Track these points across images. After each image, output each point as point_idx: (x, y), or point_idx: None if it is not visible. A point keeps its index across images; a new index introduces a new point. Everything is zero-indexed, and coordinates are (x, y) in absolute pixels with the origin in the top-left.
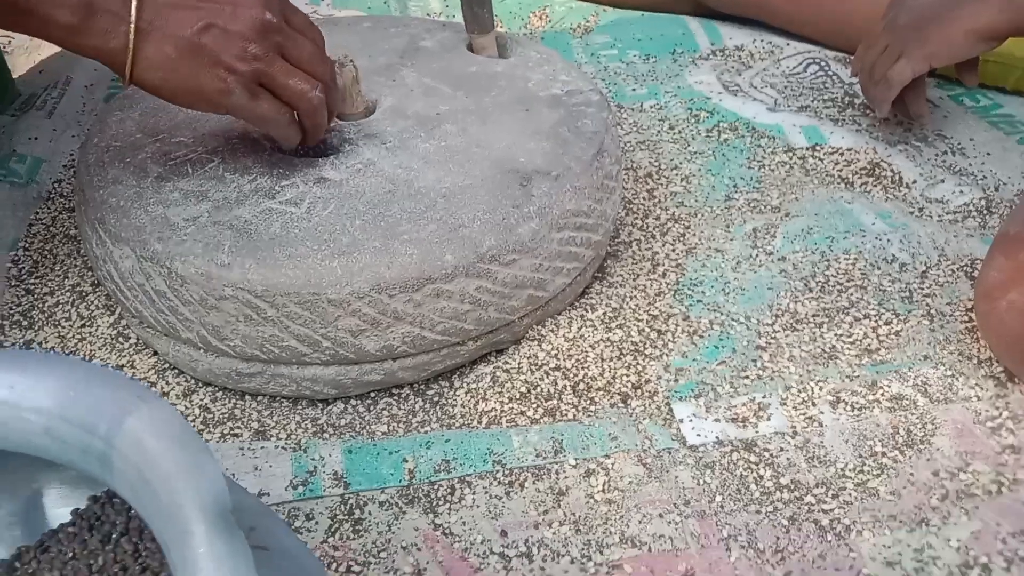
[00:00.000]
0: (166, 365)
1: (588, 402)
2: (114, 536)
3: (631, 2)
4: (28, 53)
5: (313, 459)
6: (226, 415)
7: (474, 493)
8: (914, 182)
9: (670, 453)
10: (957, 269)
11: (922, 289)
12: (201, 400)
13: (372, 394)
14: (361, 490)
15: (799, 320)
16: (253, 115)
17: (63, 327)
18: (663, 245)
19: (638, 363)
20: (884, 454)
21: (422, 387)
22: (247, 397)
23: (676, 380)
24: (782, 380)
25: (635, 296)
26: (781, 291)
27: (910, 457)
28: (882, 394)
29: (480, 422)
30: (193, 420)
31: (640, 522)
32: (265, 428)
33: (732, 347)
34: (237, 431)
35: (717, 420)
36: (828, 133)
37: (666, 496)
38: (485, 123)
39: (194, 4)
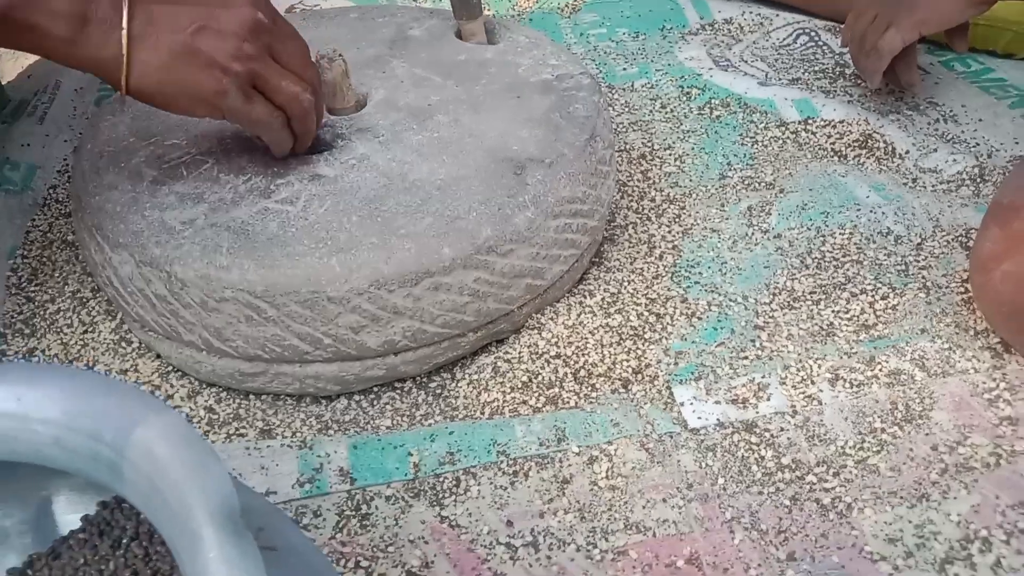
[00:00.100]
0: (169, 368)
1: (589, 389)
2: (124, 541)
3: None
4: (15, 59)
5: (319, 456)
6: (231, 415)
7: (479, 484)
8: (907, 152)
9: (672, 437)
10: (952, 240)
11: (918, 262)
12: (206, 401)
13: (375, 389)
14: (367, 485)
15: (796, 298)
16: (248, 118)
17: (65, 334)
18: (659, 227)
19: (638, 348)
20: (883, 430)
21: (424, 380)
22: (251, 397)
23: (676, 363)
24: (781, 359)
25: (633, 280)
26: (778, 269)
27: (909, 432)
28: (880, 370)
29: (483, 413)
30: (198, 422)
31: (644, 507)
32: (270, 427)
33: (731, 328)
34: (242, 431)
35: (717, 402)
36: (820, 106)
37: (669, 480)
38: (477, 112)
39: (185, 8)
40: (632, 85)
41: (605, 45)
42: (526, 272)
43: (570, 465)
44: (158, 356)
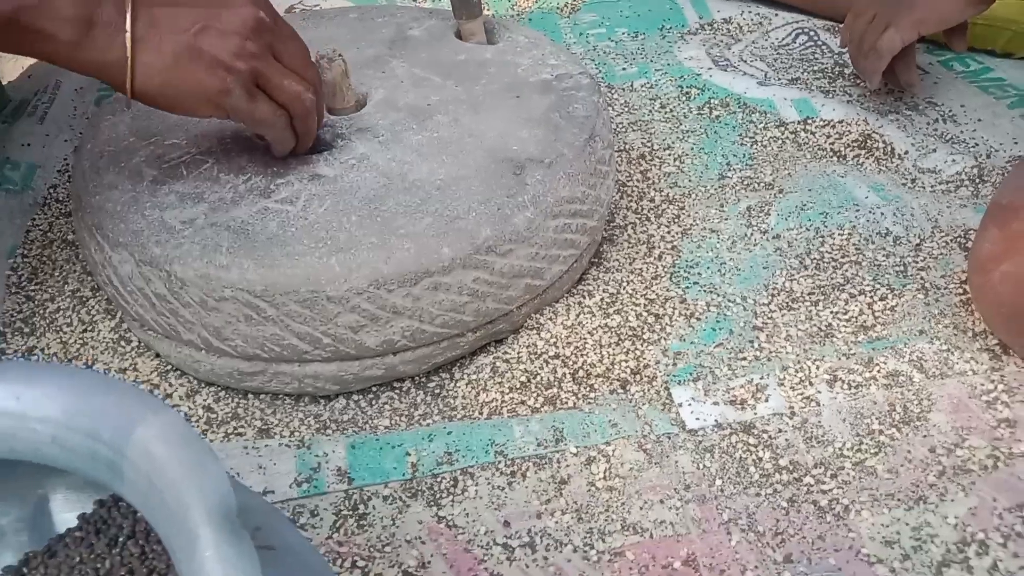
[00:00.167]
0: (168, 367)
1: (588, 389)
2: (120, 540)
3: None
4: (16, 59)
5: (317, 456)
6: (229, 415)
7: (476, 484)
8: (906, 152)
9: (670, 438)
10: (951, 241)
11: (916, 262)
12: (204, 400)
13: (374, 388)
14: (365, 485)
15: (795, 299)
16: (251, 118)
17: (65, 333)
18: (658, 227)
19: (636, 348)
20: (881, 432)
21: (423, 380)
22: (250, 396)
23: (674, 364)
24: (779, 360)
25: (632, 281)
26: (776, 270)
27: (907, 434)
28: (878, 371)
29: (481, 413)
30: (197, 421)
31: (641, 508)
32: (268, 426)
33: (729, 329)
34: (241, 430)
35: (716, 403)
36: (819, 105)
37: (666, 481)
38: (477, 112)
39: (187, 9)
40: (631, 85)
41: (604, 45)
42: (525, 272)
43: (568, 466)
44: (157, 355)
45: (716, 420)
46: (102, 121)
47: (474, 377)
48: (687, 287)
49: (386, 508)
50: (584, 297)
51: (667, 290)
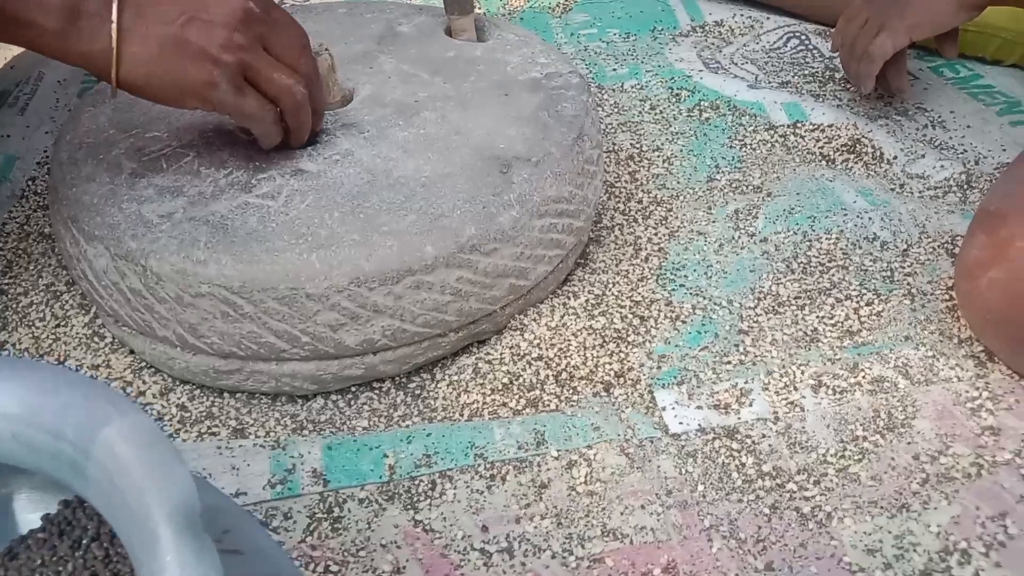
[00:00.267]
0: (142, 364)
1: (571, 392)
2: (84, 542)
3: None
4: None
5: (292, 457)
6: (204, 413)
7: (455, 488)
8: (895, 157)
9: (652, 442)
10: (938, 247)
11: (903, 268)
12: (178, 399)
13: (353, 389)
14: (340, 487)
15: (781, 303)
16: (239, 111)
17: (37, 327)
18: (645, 229)
19: (621, 351)
20: (865, 438)
21: (403, 380)
22: (225, 395)
23: (659, 367)
24: (764, 365)
25: (618, 282)
26: (763, 273)
27: (891, 441)
28: (863, 377)
29: (462, 415)
30: (170, 419)
31: (622, 514)
32: (243, 426)
33: (714, 332)
34: (215, 430)
35: (700, 407)
36: (809, 109)
37: (648, 487)
38: (464, 109)
39: (178, 1)
40: (622, 86)
41: (595, 45)
42: (510, 272)
43: (548, 469)
44: (131, 352)
45: (699, 424)
46: (82, 112)
47: (456, 378)
48: (673, 289)
49: (362, 511)
50: (569, 298)
51: (653, 292)
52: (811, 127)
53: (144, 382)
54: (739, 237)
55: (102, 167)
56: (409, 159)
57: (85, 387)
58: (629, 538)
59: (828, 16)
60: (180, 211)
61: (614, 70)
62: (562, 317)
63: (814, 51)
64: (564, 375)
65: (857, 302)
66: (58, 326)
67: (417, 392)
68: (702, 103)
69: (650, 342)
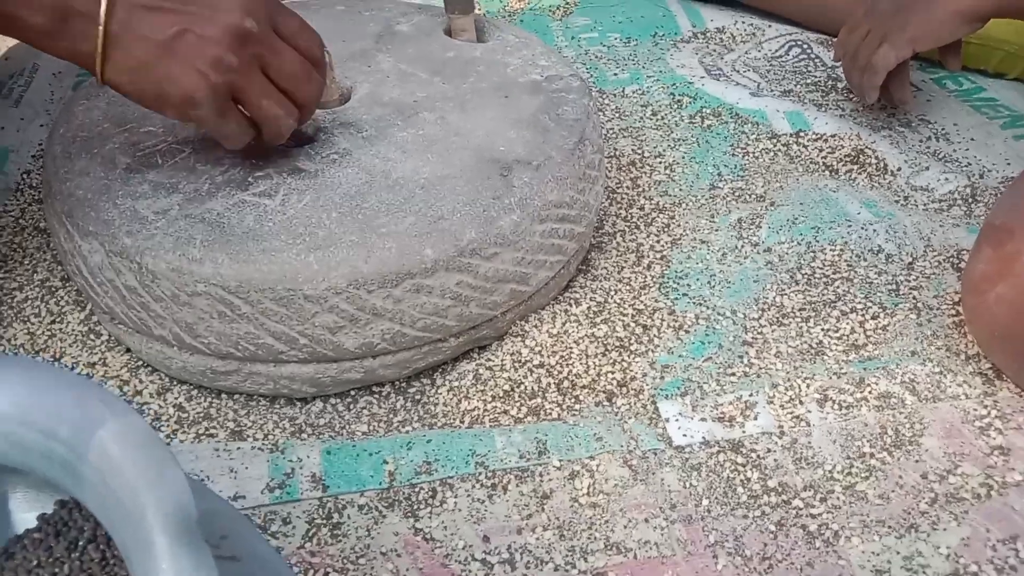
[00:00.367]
0: (139, 363)
1: (573, 400)
2: (81, 543)
3: None
4: None
5: (290, 460)
6: (201, 414)
7: (456, 496)
8: (899, 169)
9: (656, 454)
10: (943, 260)
11: (908, 281)
12: (176, 399)
13: (352, 392)
14: (340, 493)
15: (785, 314)
16: (217, 132)
17: (32, 323)
18: (648, 236)
19: (623, 359)
20: (872, 455)
21: (403, 385)
22: (223, 395)
23: (662, 377)
24: (769, 377)
25: (620, 290)
26: (767, 284)
27: (898, 458)
28: (870, 392)
29: (462, 421)
30: (167, 420)
31: (625, 527)
32: (241, 428)
33: (718, 343)
34: (212, 431)
35: (703, 419)
36: (812, 119)
37: (652, 500)
38: (464, 111)
39: (170, 7)
40: (623, 91)
41: (596, 50)
42: (510, 277)
43: (550, 480)
44: (128, 350)
45: (703, 437)
46: (76, 105)
47: (456, 384)
48: (676, 298)
49: (361, 518)
50: (571, 305)
51: (656, 301)
52: (814, 136)
53: (141, 381)
54: (742, 246)
55: (96, 161)
56: (408, 160)
57: (79, 387)
58: (633, 552)
59: (830, 25)
60: (176, 208)
61: (615, 75)
62: (564, 324)
63: (816, 60)
64: (566, 383)
65: (863, 315)
66: (53, 322)
67: (417, 397)
68: (704, 110)
69: (653, 351)
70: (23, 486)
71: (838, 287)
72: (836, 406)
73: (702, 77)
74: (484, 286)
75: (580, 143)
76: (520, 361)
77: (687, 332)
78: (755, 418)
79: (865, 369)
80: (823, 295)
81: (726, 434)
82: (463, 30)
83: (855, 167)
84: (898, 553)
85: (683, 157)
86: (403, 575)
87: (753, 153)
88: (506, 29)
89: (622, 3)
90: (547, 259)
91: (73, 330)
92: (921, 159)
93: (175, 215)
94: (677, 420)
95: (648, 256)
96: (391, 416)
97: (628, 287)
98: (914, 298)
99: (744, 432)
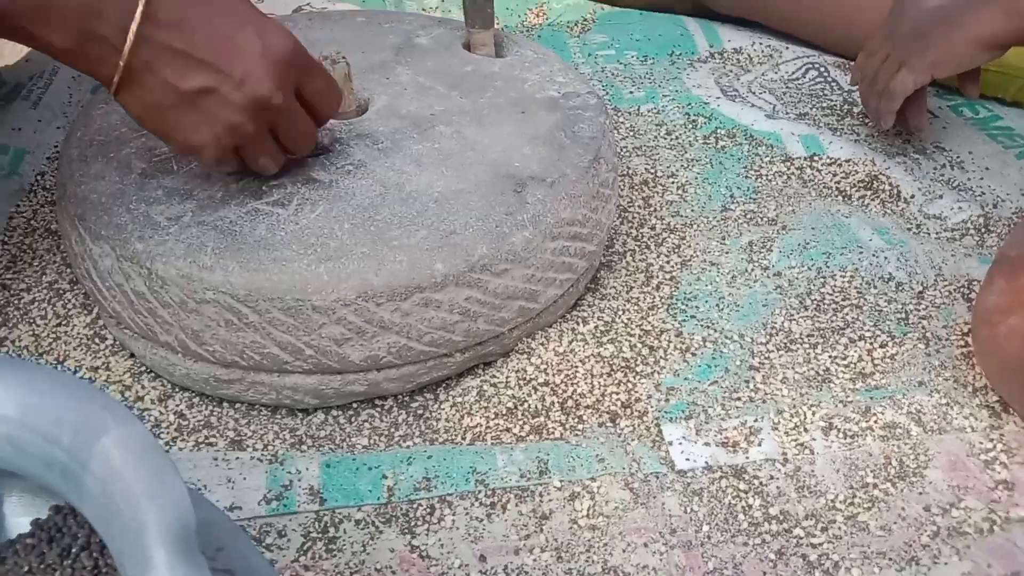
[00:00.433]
0: (142, 368)
1: (576, 420)
2: (74, 551)
3: (630, 0)
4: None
5: (289, 472)
6: (202, 422)
7: (454, 514)
8: (912, 197)
9: (658, 478)
10: (954, 291)
11: (918, 311)
12: (177, 406)
13: (354, 405)
14: (337, 507)
15: (793, 340)
16: (211, 169)
17: (38, 325)
18: (658, 256)
19: (628, 380)
20: (875, 486)
21: (406, 399)
22: (224, 404)
23: (667, 400)
24: (774, 403)
25: (628, 310)
26: (776, 308)
27: (902, 490)
28: (875, 421)
29: (464, 438)
30: (167, 427)
31: (624, 551)
32: (241, 437)
33: (725, 366)
34: (212, 440)
35: (707, 444)
36: (827, 143)
37: (652, 524)
38: (480, 125)
39: (201, 59)
40: (638, 109)
41: (613, 67)
42: (520, 294)
43: (551, 500)
44: (132, 355)
45: (707, 462)
46: (95, 109)
47: (459, 400)
48: (684, 320)
49: (358, 533)
50: (578, 323)
51: (663, 322)
52: (828, 161)
53: (143, 387)
54: (752, 270)
55: (112, 166)
56: (422, 173)
57: (82, 393)
58: None
59: (848, 48)
60: (188, 214)
61: (631, 93)
62: (570, 343)
63: (832, 84)
64: (570, 403)
65: (871, 343)
66: (59, 325)
67: (420, 412)
68: (719, 131)
69: (659, 373)
70: (19, 490)
71: (847, 314)
72: (841, 435)
73: (718, 97)
74: (493, 302)
75: (595, 161)
76: (525, 379)
77: (694, 355)
78: (759, 444)
79: (871, 398)
80: (832, 322)
81: (729, 459)
82: (482, 45)
83: (868, 193)
84: None
85: (696, 178)
86: None
87: (766, 176)
88: (525, 45)
89: (640, 21)
90: (557, 277)
91: (78, 333)
92: (935, 187)
93: (188, 221)
94: (680, 444)
95: (657, 276)
96: (392, 430)
97: (636, 307)
98: (923, 328)
99: (747, 458)
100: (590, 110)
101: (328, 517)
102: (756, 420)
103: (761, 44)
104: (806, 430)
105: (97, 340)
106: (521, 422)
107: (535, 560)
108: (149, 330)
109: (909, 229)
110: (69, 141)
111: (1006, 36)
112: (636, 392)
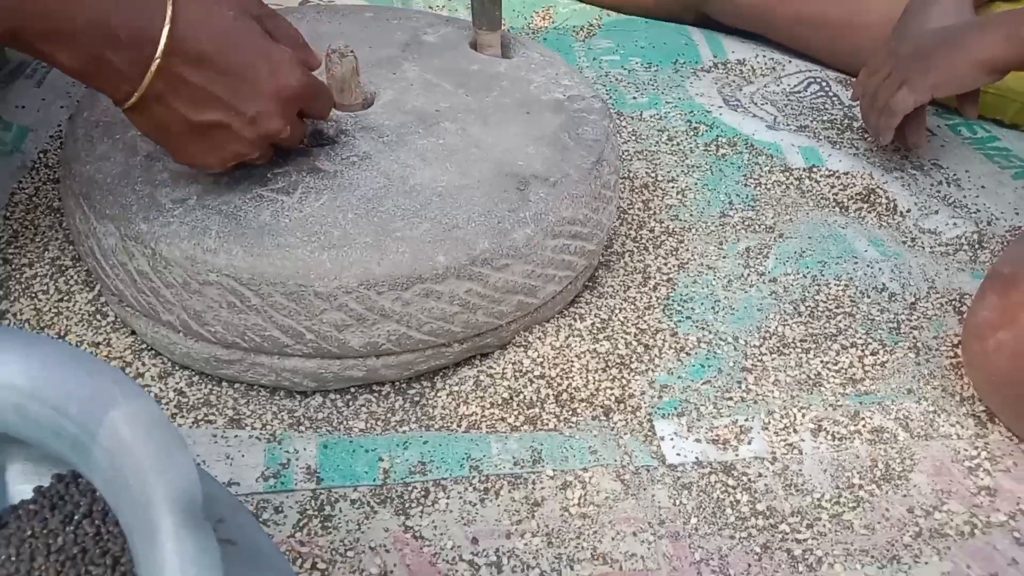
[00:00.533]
0: (143, 346)
1: (570, 413)
2: (76, 517)
3: (635, 8)
4: None
5: (287, 451)
6: (201, 400)
7: (448, 497)
8: (908, 211)
9: (648, 471)
10: (946, 303)
11: (910, 321)
12: (176, 384)
13: (352, 389)
14: (333, 486)
15: (786, 344)
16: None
17: (40, 300)
18: (655, 258)
19: (623, 377)
20: (861, 487)
21: (403, 386)
22: (224, 383)
23: (660, 397)
24: (765, 404)
25: (624, 308)
26: (770, 313)
27: (886, 492)
28: (863, 425)
29: (460, 425)
30: (167, 404)
31: (613, 539)
32: (240, 416)
33: (718, 367)
34: (211, 418)
35: (698, 440)
36: (826, 155)
37: (641, 515)
38: (485, 124)
39: (216, 95)
40: (641, 114)
41: (617, 72)
42: (519, 289)
43: (543, 488)
44: (132, 333)
45: (697, 457)
46: None
47: (456, 388)
48: (679, 321)
49: (353, 512)
50: (575, 320)
51: (659, 322)
52: (827, 173)
53: (143, 364)
54: (748, 275)
55: (118, 147)
56: (427, 167)
57: (91, 366)
58: (619, 564)
59: (850, 64)
60: (193, 198)
61: (634, 98)
62: (567, 338)
63: (834, 98)
64: (565, 396)
65: (862, 351)
66: (61, 300)
67: (416, 399)
68: (720, 139)
69: (653, 371)
70: (22, 458)
71: (840, 321)
72: (829, 437)
73: (720, 107)
74: (492, 295)
75: (598, 163)
76: (521, 371)
77: (688, 355)
78: (749, 443)
79: (861, 403)
80: (825, 328)
81: (719, 456)
82: (489, 46)
83: (865, 205)
84: None
85: (696, 183)
86: (390, 570)
87: (765, 185)
88: (531, 47)
89: (646, 29)
90: (556, 274)
91: (80, 309)
92: (931, 202)
93: (192, 204)
94: (672, 439)
95: (655, 278)
96: (389, 415)
97: (633, 306)
98: (914, 338)
99: (737, 455)
100: (594, 113)
101: (324, 496)
102: (747, 420)
103: (764, 57)
104: (795, 431)
105: (99, 317)
106: (516, 412)
107: (526, 544)
108: (151, 309)
109: (904, 242)
110: (75, 121)
111: (1006, 60)
112: (630, 388)
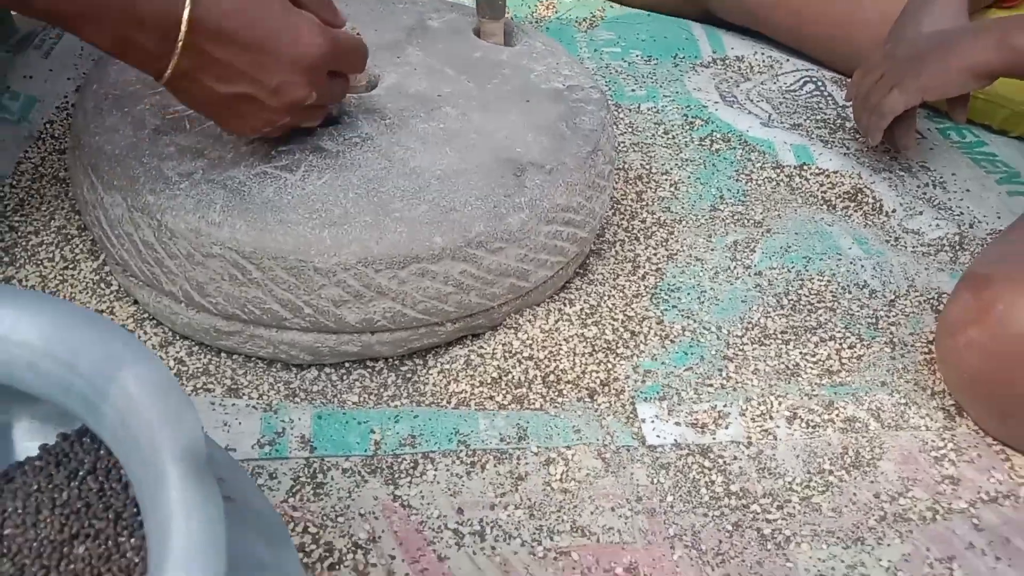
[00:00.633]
0: (145, 315)
1: (556, 393)
2: (81, 474)
3: (640, 2)
4: None
5: (282, 421)
6: (200, 370)
7: (436, 469)
8: (893, 211)
9: (629, 451)
10: (924, 301)
11: (888, 317)
12: (177, 353)
13: (347, 364)
14: (326, 455)
15: (768, 335)
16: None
17: (45, 267)
18: (646, 248)
19: (608, 361)
20: (831, 472)
21: (396, 362)
22: (223, 354)
23: (643, 381)
24: (744, 391)
25: (613, 295)
26: (754, 305)
27: (855, 478)
28: (837, 415)
29: (449, 402)
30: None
31: (592, 513)
32: (238, 386)
33: (701, 355)
34: (210, 386)
35: (678, 424)
36: (817, 154)
37: (620, 491)
38: (486, 110)
39: (241, 69)
40: (638, 107)
41: (617, 64)
42: (512, 272)
43: (527, 463)
44: (135, 302)
45: (676, 440)
46: (110, 64)
47: (447, 367)
48: (665, 309)
49: (344, 480)
50: (565, 305)
51: (646, 310)
52: (817, 171)
53: (145, 333)
54: (735, 267)
55: (127, 120)
56: (427, 151)
57: (103, 327)
58: (596, 536)
59: (846, 65)
60: (199, 172)
61: (632, 91)
62: (556, 322)
63: (828, 98)
64: (552, 377)
65: (840, 344)
66: (66, 268)
67: (408, 375)
68: (714, 134)
69: (638, 356)
70: (28, 416)
71: (820, 315)
72: (804, 424)
73: (716, 102)
74: (486, 277)
75: (593, 153)
76: (511, 352)
77: (672, 342)
78: (726, 427)
79: (835, 393)
80: (805, 321)
81: (697, 439)
82: (492, 33)
83: (852, 204)
84: (843, 562)
85: (689, 177)
86: (378, 536)
87: (756, 180)
88: (534, 36)
89: (647, 22)
90: (548, 259)
91: (84, 278)
92: (916, 203)
93: (198, 179)
94: (653, 422)
95: (644, 267)
96: (382, 390)
97: (621, 294)
98: (891, 333)
99: (714, 439)
100: (592, 104)
101: (317, 464)
102: (725, 405)
103: (763, 54)
104: (771, 418)
105: (103, 285)
106: (504, 391)
107: (509, 516)
108: (155, 279)
109: (887, 241)
110: (84, 93)
111: (996, 67)
112: (615, 372)
